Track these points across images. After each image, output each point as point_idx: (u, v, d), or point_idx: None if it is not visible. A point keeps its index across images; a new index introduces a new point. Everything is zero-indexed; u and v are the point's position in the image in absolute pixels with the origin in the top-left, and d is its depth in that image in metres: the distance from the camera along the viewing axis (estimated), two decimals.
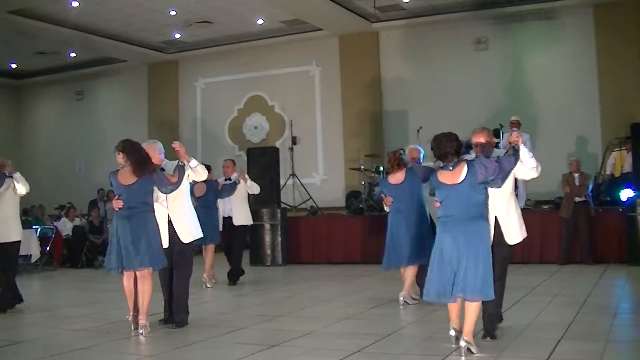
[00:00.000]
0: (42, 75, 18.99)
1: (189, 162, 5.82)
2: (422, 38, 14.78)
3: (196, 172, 5.89)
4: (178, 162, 5.84)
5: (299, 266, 11.47)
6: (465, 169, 4.60)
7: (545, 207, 11.47)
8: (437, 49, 14.61)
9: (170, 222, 5.91)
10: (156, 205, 5.81)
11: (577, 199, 10.14)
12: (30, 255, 11.49)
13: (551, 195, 11.86)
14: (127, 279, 5.73)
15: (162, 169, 5.87)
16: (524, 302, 6.64)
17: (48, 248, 12.52)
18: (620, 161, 11.20)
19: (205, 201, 8.70)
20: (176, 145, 5.83)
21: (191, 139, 16.91)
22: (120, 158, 5.67)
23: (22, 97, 19.99)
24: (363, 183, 13.17)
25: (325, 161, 15.74)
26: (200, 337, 5.48)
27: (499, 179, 4.66)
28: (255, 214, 10.49)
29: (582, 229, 10.06)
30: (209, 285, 8.89)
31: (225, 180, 9.16)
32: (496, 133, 10.52)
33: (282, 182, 13.19)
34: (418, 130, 11.75)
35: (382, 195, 7.07)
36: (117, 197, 5.66)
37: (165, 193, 5.81)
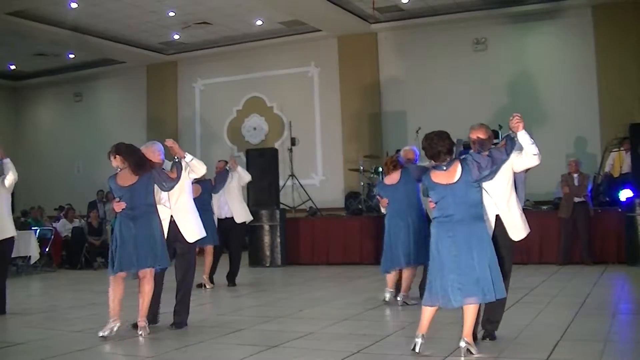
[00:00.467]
0: (41, 76, 18.99)
1: (184, 157, 5.78)
2: (421, 39, 14.79)
3: (193, 166, 5.85)
4: (174, 159, 5.80)
5: (298, 267, 11.48)
6: (459, 168, 4.53)
7: (544, 207, 11.47)
8: (435, 50, 14.62)
9: (172, 222, 5.88)
10: (159, 207, 5.78)
11: (576, 200, 10.15)
12: (30, 256, 11.52)
13: (550, 195, 11.87)
14: (118, 283, 5.57)
15: (163, 169, 5.83)
16: (523, 303, 6.64)
17: (47, 249, 12.53)
18: (619, 161, 11.21)
19: (201, 203, 8.66)
20: (169, 142, 5.80)
21: (190, 140, 16.93)
22: (116, 161, 5.62)
23: (21, 99, 20.00)
24: (362, 184, 13.19)
25: (324, 162, 15.74)
26: (199, 338, 5.47)
27: (492, 172, 4.56)
28: (254, 214, 10.50)
29: (581, 229, 10.07)
30: (207, 287, 8.90)
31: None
32: (495, 134, 10.50)
33: (281, 183, 13.20)
34: (417, 131, 11.73)
35: (378, 197, 7.08)
36: (117, 199, 5.63)
37: (165, 190, 5.75)
